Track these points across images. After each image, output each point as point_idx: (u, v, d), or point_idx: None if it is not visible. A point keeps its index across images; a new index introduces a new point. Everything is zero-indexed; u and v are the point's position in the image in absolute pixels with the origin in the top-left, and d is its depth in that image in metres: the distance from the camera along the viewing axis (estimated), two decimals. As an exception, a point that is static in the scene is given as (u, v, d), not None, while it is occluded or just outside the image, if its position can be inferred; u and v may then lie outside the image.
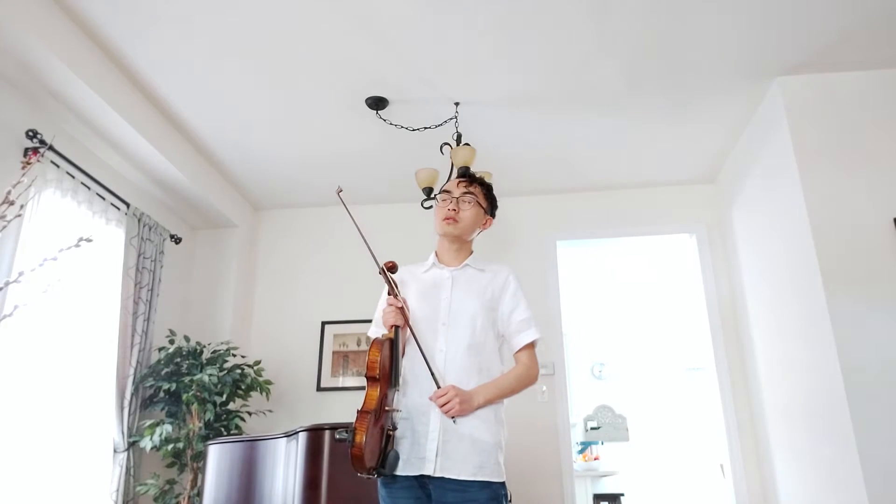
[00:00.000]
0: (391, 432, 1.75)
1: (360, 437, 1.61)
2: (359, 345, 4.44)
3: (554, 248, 4.51)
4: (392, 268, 1.94)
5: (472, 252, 2.07)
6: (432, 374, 1.77)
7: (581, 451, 5.99)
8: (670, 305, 6.26)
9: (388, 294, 1.90)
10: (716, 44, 3.11)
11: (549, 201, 4.64)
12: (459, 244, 2.03)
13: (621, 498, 5.41)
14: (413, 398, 1.82)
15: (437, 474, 1.73)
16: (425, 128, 3.71)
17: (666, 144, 4.05)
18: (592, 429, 6.21)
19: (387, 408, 1.74)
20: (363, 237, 1.94)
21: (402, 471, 1.75)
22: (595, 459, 6.00)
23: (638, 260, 5.93)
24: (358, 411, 1.67)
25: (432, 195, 3.39)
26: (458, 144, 3.49)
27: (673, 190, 4.58)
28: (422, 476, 1.75)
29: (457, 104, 3.55)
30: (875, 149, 3.20)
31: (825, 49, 3.17)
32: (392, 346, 1.80)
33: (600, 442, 6.14)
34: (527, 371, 1.92)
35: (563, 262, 4.55)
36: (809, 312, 3.15)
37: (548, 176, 4.43)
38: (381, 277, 1.91)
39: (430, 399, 1.77)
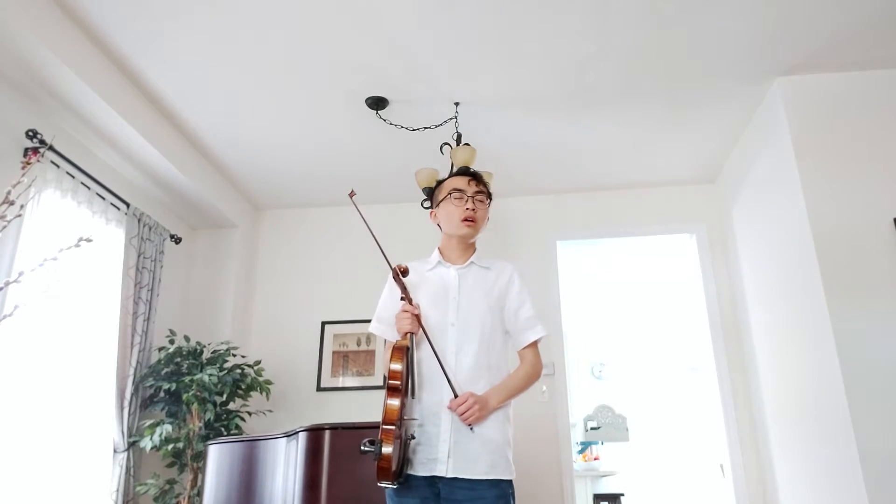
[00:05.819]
0: (409, 441, 1.75)
1: (388, 450, 1.62)
2: (359, 345, 4.45)
3: (554, 248, 4.50)
4: (405, 272, 1.90)
5: (475, 249, 2.06)
6: (448, 379, 1.77)
7: (581, 451, 6.00)
8: (670, 305, 6.27)
9: (402, 299, 1.86)
10: (716, 44, 3.11)
11: (549, 201, 4.64)
12: (468, 243, 2.03)
13: (621, 498, 5.42)
14: (424, 400, 1.82)
15: (450, 475, 1.74)
16: (425, 128, 3.71)
17: (666, 144, 4.05)
18: (592, 429, 6.22)
19: (405, 417, 1.73)
20: (376, 239, 1.94)
21: (414, 471, 1.75)
22: (595, 459, 6.01)
23: (638, 260, 5.93)
24: (381, 425, 1.65)
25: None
26: (458, 144, 3.49)
27: (673, 190, 4.58)
28: (432, 476, 1.75)
29: (457, 104, 3.55)
30: (875, 149, 3.19)
31: (825, 49, 3.16)
32: (408, 355, 1.78)
33: (600, 442, 6.15)
34: (533, 368, 1.95)
35: (563, 262, 4.55)
36: (809, 312, 3.15)
37: (548, 176, 4.43)
38: (388, 276, 1.90)
39: (449, 408, 1.77)
